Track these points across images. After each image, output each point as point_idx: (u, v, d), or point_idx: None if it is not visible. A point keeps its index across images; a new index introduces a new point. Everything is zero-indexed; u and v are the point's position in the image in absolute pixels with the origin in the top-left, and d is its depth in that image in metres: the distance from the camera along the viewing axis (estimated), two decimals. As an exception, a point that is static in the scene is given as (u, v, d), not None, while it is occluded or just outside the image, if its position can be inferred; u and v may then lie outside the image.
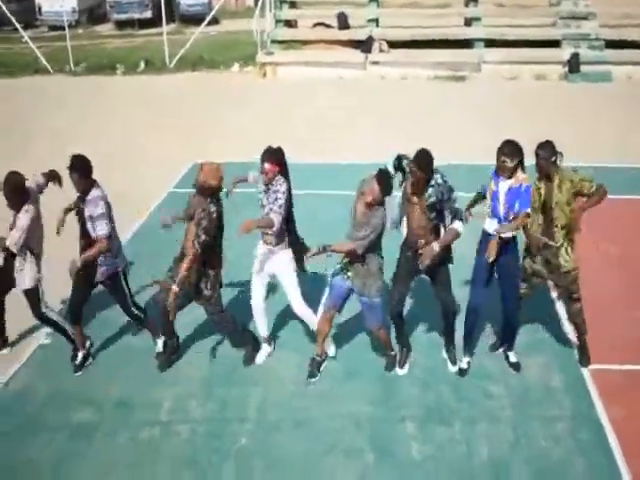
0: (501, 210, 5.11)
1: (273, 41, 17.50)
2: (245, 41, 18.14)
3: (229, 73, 16.97)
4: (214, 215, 5.12)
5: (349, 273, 5.19)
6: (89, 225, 5.26)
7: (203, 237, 5.06)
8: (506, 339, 5.68)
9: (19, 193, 5.33)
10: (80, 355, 5.71)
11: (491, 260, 5.14)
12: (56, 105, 14.04)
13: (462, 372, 5.56)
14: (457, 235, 5.09)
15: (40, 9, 24.42)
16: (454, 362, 5.58)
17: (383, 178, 4.88)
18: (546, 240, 5.21)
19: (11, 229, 5.38)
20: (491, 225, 5.21)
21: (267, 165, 5.19)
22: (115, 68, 17.31)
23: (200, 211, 5.06)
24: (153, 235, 7.38)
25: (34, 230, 5.43)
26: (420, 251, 5.08)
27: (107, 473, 4.63)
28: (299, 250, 5.48)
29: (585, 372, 5.56)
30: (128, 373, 5.64)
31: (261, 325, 5.71)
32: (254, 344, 5.75)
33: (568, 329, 5.99)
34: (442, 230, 5.14)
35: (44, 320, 5.68)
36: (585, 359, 5.65)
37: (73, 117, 12.94)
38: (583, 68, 15.63)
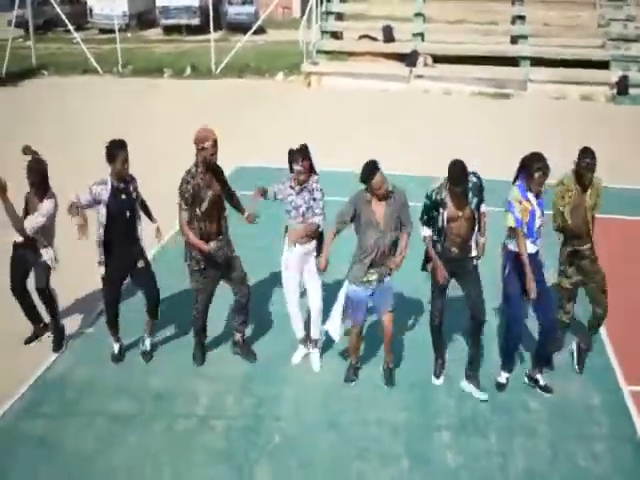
0: (537, 226, 5.12)
1: (319, 51, 17.67)
2: (291, 51, 18.34)
3: (274, 81, 17.17)
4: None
5: (372, 277, 5.18)
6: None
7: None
8: (540, 360, 5.50)
9: (45, 180, 5.49)
10: (117, 347, 5.81)
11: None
12: (103, 104, 14.35)
13: (500, 387, 5.49)
14: (485, 214, 5.18)
15: (91, 12, 25.13)
16: (478, 386, 5.37)
17: (375, 167, 4.93)
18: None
19: (26, 215, 5.49)
20: (527, 246, 5.11)
21: (301, 165, 5.22)
22: (162, 72, 17.63)
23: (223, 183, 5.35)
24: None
25: (52, 221, 5.58)
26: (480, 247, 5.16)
27: (143, 459, 4.70)
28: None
29: (625, 392, 5.47)
30: (167, 367, 5.72)
31: (300, 325, 5.72)
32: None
33: (608, 349, 5.92)
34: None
35: (45, 296, 5.78)
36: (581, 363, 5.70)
37: (118, 116, 13.20)
38: (632, 91, 15.47)
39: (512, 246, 5.19)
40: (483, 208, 5.17)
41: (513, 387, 5.48)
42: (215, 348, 5.96)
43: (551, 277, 5.74)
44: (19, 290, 5.86)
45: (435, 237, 5.14)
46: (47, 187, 5.56)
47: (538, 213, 5.10)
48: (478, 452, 4.83)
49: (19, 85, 16.70)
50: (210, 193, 5.27)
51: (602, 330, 6.22)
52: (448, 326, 5.61)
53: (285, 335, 5.92)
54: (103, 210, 5.26)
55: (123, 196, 5.34)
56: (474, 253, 5.19)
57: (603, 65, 16.38)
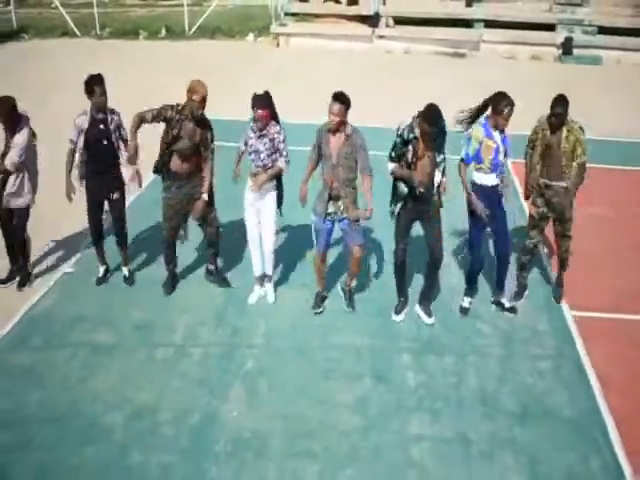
0: (501, 158, 5.08)
1: (287, 14, 17.22)
2: (260, 14, 17.85)
3: (245, 42, 16.71)
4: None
5: (330, 209, 5.10)
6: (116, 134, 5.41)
7: (213, 146, 5.39)
8: (500, 285, 5.55)
9: (12, 115, 5.30)
10: (102, 269, 5.81)
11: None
12: (81, 63, 13.83)
13: (464, 311, 5.49)
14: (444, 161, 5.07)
15: (69, -23, 23.97)
16: (429, 314, 5.36)
17: (342, 96, 5.02)
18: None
19: (4, 154, 5.33)
20: (487, 178, 5.12)
21: (260, 111, 5.05)
22: (138, 34, 17.06)
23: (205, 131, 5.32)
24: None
25: (29, 150, 5.40)
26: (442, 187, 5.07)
27: (124, 385, 4.63)
28: (280, 196, 5.40)
29: (569, 317, 5.52)
30: (146, 300, 5.61)
31: (258, 265, 5.54)
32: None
33: (553, 279, 5.94)
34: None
35: (20, 243, 5.67)
36: (559, 295, 5.69)
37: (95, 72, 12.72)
38: (576, 51, 15.40)
39: (475, 178, 5.16)
40: (440, 178, 5.04)
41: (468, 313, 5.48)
42: (191, 283, 5.85)
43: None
44: (5, 228, 5.68)
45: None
46: (16, 120, 5.33)
47: (501, 149, 5.07)
48: (435, 372, 4.84)
49: (1, 48, 15.99)
50: (188, 141, 5.20)
51: (547, 263, 6.27)
52: (412, 262, 5.53)
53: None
54: (82, 137, 5.28)
55: (101, 126, 5.34)
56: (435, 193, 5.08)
57: (550, 27, 16.28)
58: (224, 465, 4.00)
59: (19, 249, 5.73)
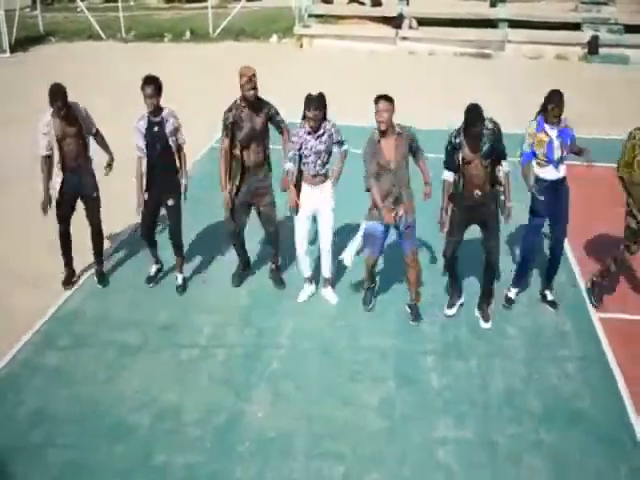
0: (557, 154, 5.07)
1: (310, 15, 17.25)
2: (284, 16, 17.90)
3: (268, 44, 16.77)
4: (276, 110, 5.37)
5: (400, 214, 5.01)
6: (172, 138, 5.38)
7: (285, 123, 5.47)
8: (549, 279, 5.56)
9: (66, 101, 5.28)
10: (154, 268, 5.86)
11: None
12: (108, 65, 14.03)
13: (509, 301, 5.51)
14: (508, 175, 4.99)
15: (95, -18, 24.28)
16: (487, 319, 5.29)
17: (387, 97, 4.97)
18: None
19: (72, 138, 5.35)
20: (548, 171, 5.13)
21: (315, 112, 5.04)
22: (163, 36, 17.21)
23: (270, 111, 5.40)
24: (195, 186, 7.36)
25: (51, 138, 5.34)
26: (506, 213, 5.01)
27: (150, 384, 4.66)
28: None
29: (595, 319, 5.45)
30: (173, 301, 5.65)
31: (306, 264, 5.52)
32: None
33: (579, 281, 5.88)
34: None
35: (100, 232, 5.75)
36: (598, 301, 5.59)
37: (123, 78, 12.88)
38: (602, 50, 15.19)
39: (536, 170, 5.17)
40: (505, 167, 4.92)
41: (492, 315, 5.42)
42: (217, 285, 5.87)
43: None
44: (65, 223, 5.70)
45: (457, 182, 4.98)
46: (70, 108, 5.36)
47: (556, 143, 5.06)
48: (460, 374, 4.81)
49: (29, 51, 16.27)
50: (249, 126, 5.25)
51: (575, 266, 6.18)
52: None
53: (284, 271, 5.86)
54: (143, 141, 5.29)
55: (156, 129, 5.29)
56: (501, 213, 5.02)
57: (575, 27, 16.08)
58: (249, 465, 4.01)
59: (96, 243, 5.78)
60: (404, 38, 16.06)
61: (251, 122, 5.27)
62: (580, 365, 4.92)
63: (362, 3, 18.08)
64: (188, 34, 17.32)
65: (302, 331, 5.27)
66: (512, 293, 5.56)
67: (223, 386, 4.66)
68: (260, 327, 5.30)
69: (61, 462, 4.03)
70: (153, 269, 5.85)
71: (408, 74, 13.58)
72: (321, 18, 17.47)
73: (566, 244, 6.53)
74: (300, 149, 5.14)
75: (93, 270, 5.95)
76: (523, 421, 4.38)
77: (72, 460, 4.04)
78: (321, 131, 5.13)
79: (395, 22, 16.40)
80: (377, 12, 17.32)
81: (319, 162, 5.18)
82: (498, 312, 5.47)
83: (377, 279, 5.64)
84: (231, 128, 5.25)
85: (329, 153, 5.22)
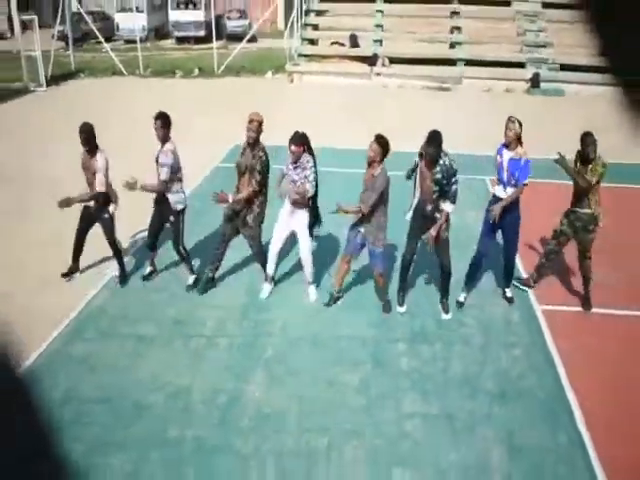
0: (505, 176, 5.01)
1: (299, 55, 17.30)
2: (277, 55, 17.93)
3: (264, 79, 16.77)
4: (264, 160, 5.12)
5: (361, 229, 5.04)
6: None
7: (258, 177, 5.11)
8: (506, 281, 5.54)
9: (94, 138, 5.25)
10: (192, 278, 5.72)
11: (494, 219, 5.04)
12: (129, 97, 13.92)
13: (460, 304, 5.44)
14: (448, 215, 4.93)
15: (118, 26, 24.19)
16: (447, 311, 5.30)
17: (381, 139, 4.82)
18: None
19: (92, 173, 5.27)
20: (499, 190, 5.11)
21: (294, 147, 5.01)
22: (175, 73, 17.14)
23: (255, 158, 5.13)
24: (201, 200, 7.30)
25: (108, 174, 5.37)
26: (431, 232, 4.90)
27: (164, 370, 4.60)
28: (314, 216, 5.33)
29: (538, 310, 5.45)
30: (181, 299, 5.57)
31: (270, 266, 5.48)
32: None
33: (525, 276, 5.89)
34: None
35: (114, 247, 5.64)
36: (588, 305, 5.45)
37: (142, 107, 12.77)
38: (542, 85, 15.37)
39: (492, 187, 5.18)
40: (447, 207, 4.86)
41: (452, 308, 5.42)
42: (220, 286, 5.81)
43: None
44: (80, 234, 5.64)
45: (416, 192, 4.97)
46: (96, 145, 5.30)
47: (505, 166, 4.99)
48: (426, 358, 4.79)
49: (61, 85, 16.13)
50: (243, 162, 5.20)
51: (519, 263, 6.18)
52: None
53: (278, 272, 5.79)
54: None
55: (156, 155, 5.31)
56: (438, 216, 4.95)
57: (520, 65, 16.23)
58: (247, 438, 3.96)
59: (116, 256, 5.72)
60: (378, 74, 16.15)
61: (246, 158, 5.20)
62: (526, 350, 4.91)
63: (342, 44, 18.13)
64: (196, 71, 17.28)
65: (292, 323, 5.22)
66: (461, 297, 5.47)
67: (226, 370, 4.61)
68: (256, 320, 5.25)
69: (88, 437, 3.96)
70: (147, 270, 5.84)
71: (381, 104, 13.62)
72: (308, 57, 17.53)
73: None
74: (284, 173, 5.19)
75: (114, 273, 5.87)
76: (478, 398, 4.36)
77: (98, 435, 3.97)
78: (299, 164, 5.09)
79: (370, 60, 16.49)
80: (355, 52, 17.40)
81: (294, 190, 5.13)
82: (457, 305, 5.45)
83: (341, 293, 5.55)
84: (237, 169, 5.24)
85: (303, 184, 5.12)
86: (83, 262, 5.90)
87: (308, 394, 4.36)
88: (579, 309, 5.48)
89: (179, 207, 5.42)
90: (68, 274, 5.82)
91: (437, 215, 4.94)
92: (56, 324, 5.13)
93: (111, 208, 5.49)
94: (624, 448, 3.91)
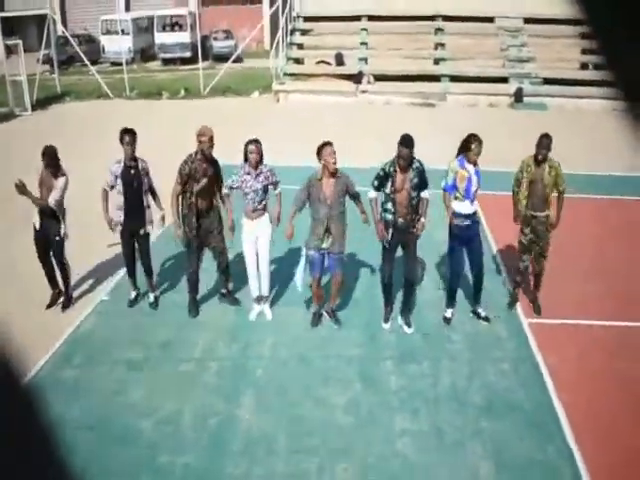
0: (473, 189, 5.08)
1: (285, 74, 17.47)
2: (263, 75, 18.10)
3: (250, 99, 16.91)
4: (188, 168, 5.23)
5: (324, 244, 5.08)
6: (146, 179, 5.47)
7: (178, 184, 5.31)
8: (478, 298, 5.53)
9: (56, 160, 5.41)
10: (133, 294, 5.83)
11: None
12: (115, 119, 13.96)
13: (447, 320, 5.47)
14: (428, 201, 5.05)
15: (104, 49, 24.37)
16: (409, 325, 5.32)
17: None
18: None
19: (48, 190, 5.40)
20: (464, 206, 5.10)
21: (255, 147, 5.10)
22: (161, 94, 17.24)
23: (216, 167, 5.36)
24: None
25: (64, 196, 5.49)
26: (422, 220, 4.99)
27: (154, 396, 4.61)
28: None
29: (525, 324, 5.54)
30: (170, 321, 5.61)
31: (255, 287, 5.50)
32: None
33: (511, 291, 5.97)
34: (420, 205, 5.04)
35: (61, 266, 5.68)
36: (538, 309, 5.61)
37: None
38: (525, 99, 15.63)
39: (454, 206, 5.16)
40: (425, 194, 5.01)
41: (440, 324, 5.49)
42: (208, 305, 5.85)
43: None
44: (43, 258, 5.70)
45: (389, 207, 5.00)
46: (59, 167, 5.44)
47: (474, 180, 5.06)
48: (414, 375, 4.83)
49: (47, 109, 16.20)
50: (204, 180, 5.25)
51: (506, 277, 6.29)
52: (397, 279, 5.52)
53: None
54: (119, 181, 5.33)
55: (132, 171, 5.37)
56: (415, 230, 5.05)
57: (504, 80, 16.51)
58: (238, 462, 3.97)
59: (62, 276, 5.74)
60: (363, 91, 16.36)
61: (206, 176, 5.27)
62: (513, 364, 4.98)
63: (328, 63, 18.37)
64: (183, 92, 17.38)
65: (281, 343, 5.26)
66: (448, 313, 5.50)
67: (215, 394, 4.63)
68: (246, 341, 5.29)
69: (76, 465, 3.93)
70: (133, 294, 5.84)
71: (367, 121, 13.80)
72: (294, 76, 17.71)
73: (499, 260, 6.68)
74: (234, 188, 5.23)
75: (104, 298, 5.89)
76: (467, 413, 4.41)
77: (85, 463, 3.95)
78: (259, 171, 5.16)
79: (356, 78, 16.70)
80: (341, 70, 17.63)
81: (257, 199, 5.19)
82: (444, 321, 5.53)
83: (322, 307, 5.57)
84: (186, 178, 5.24)
85: (265, 191, 5.23)
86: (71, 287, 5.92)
87: (298, 415, 4.39)
88: (565, 321, 5.57)
89: (150, 228, 5.58)
90: (52, 304, 5.83)
91: (412, 228, 5.01)
92: (43, 351, 5.13)
93: (62, 230, 5.54)
94: (612, 459, 3.98)
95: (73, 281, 5.95)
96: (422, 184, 4.98)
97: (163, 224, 5.66)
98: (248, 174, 5.15)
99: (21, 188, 5.24)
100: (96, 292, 6.18)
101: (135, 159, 5.41)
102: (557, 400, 4.53)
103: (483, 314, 5.53)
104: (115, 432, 4.23)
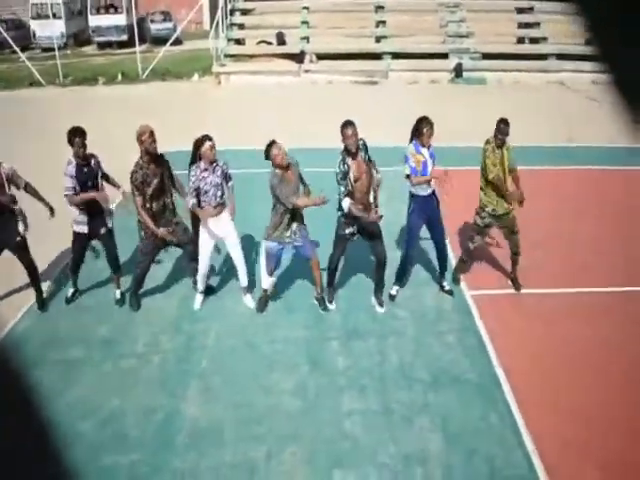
0: (429, 171, 5.05)
1: (226, 55, 17.03)
2: (203, 56, 17.56)
3: (190, 82, 16.40)
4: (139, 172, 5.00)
5: (287, 236, 4.99)
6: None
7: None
8: (442, 273, 5.59)
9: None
10: (71, 291, 5.59)
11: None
12: (49, 110, 13.27)
13: (392, 297, 5.48)
14: (380, 182, 4.99)
15: (34, 34, 23.03)
16: (381, 304, 5.33)
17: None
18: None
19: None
20: (422, 189, 5.11)
21: (210, 143, 4.92)
22: (97, 80, 16.49)
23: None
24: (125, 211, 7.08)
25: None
26: (370, 216, 4.85)
27: (95, 394, 4.41)
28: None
29: (468, 296, 5.60)
30: (111, 317, 5.38)
31: (203, 280, 5.39)
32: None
33: (453, 263, 6.01)
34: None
35: (32, 269, 5.41)
36: (518, 285, 5.61)
37: (63, 119, 12.24)
38: (465, 74, 15.78)
39: (413, 190, 5.14)
40: (378, 175, 4.93)
41: (385, 301, 5.47)
42: (151, 299, 5.65)
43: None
44: None
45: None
46: None
47: (429, 162, 5.04)
48: (361, 354, 4.82)
49: (-27, 99, 15.17)
50: (156, 180, 5.00)
51: (450, 251, 6.32)
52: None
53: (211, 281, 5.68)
54: (74, 181, 5.02)
55: (85, 169, 5.09)
56: (374, 209, 4.96)
57: (444, 56, 16.60)
58: (185, 456, 3.86)
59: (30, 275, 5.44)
60: (306, 71, 16.14)
61: (157, 175, 5.04)
62: (458, 336, 5.03)
63: (270, 43, 18.01)
64: (120, 76, 16.68)
65: (226, 331, 5.14)
66: (394, 290, 5.52)
67: (159, 388, 4.47)
68: (189, 332, 5.13)
69: (15, 473, 3.74)
70: (70, 291, 5.59)
71: (310, 100, 13.62)
72: (235, 57, 17.30)
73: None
74: (198, 187, 4.98)
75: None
76: (414, 388, 4.43)
77: (24, 470, 3.76)
78: (215, 166, 5.00)
79: (298, 57, 16.46)
80: (282, 50, 17.31)
81: (218, 193, 5.04)
82: (388, 298, 5.52)
83: (273, 289, 5.50)
84: (142, 187, 4.98)
85: (223, 185, 5.08)
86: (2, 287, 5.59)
87: (244, 403, 4.30)
88: (507, 291, 5.67)
89: (111, 223, 5.30)
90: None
91: (368, 210, 4.92)
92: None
93: (21, 228, 5.21)
94: (553, 422, 4.08)
95: (13, 280, 5.60)
96: (370, 160, 4.91)
97: (125, 198, 5.31)
98: (206, 170, 4.95)
99: None
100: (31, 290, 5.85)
101: (87, 157, 5.09)
102: (499, 367, 4.60)
103: (447, 287, 5.59)
104: (54, 436, 4.00)
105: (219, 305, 5.52)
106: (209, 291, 5.61)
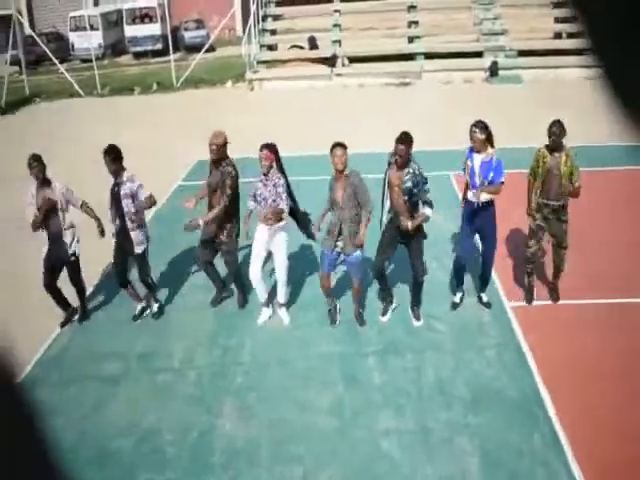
0: (477, 181, 4.85)
1: (259, 62, 17.11)
2: (236, 63, 17.70)
3: (224, 89, 16.53)
4: (233, 174, 5.10)
5: (337, 246, 4.91)
6: (126, 201, 5.06)
7: (229, 192, 5.09)
8: (483, 285, 5.42)
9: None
10: (156, 306, 5.58)
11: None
12: (87, 119, 13.61)
13: (455, 305, 5.35)
14: (426, 219, 4.79)
15: (73, 46, 23.72)
16: (418, 318, 5.21)
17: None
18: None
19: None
20: (471, 195, 4.95)
21: (266, 152, 4.87)
22: (133, 89, 16.81)
23: (223, 174, 5.11)
24: (165, 221, 7.15)
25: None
26: (402, 225, 4.75)
27: (131, 410, 4.44)
28: (306, 223, 5.29)
29: (508, 308, 5.42)
30: (148, 331, 5.42)
31: (260, 292, 5.33)
32: (243, 292, 5.63)
33: (494, 276, 5.82)
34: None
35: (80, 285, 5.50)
36: (556, 296, 5.44)
37: (102, 128, 12.50)
38: (500, 73, 15.40)
39: (468, 196, 5.01)
40: (427, 211, 4.72)
41: (423, 314, 5.33)
42: (186, 311, 5.66)
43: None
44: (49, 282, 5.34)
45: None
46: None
47: (477, 171, 4.84)
48: (397, 369, 4.71)
49: (17, 112, 15.71)
50: (212, 183, 5.19)
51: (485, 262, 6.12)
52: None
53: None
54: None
55: (116, 189, 5.12)
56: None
57: (478, 54, 16.26)
58: (220, 475, 3.83)
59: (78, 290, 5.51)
60: (338, 74, 16.06)
61: (214, 178, 5.22)
62: (498, 351, 4.86)
63: (301, 47, 18.00)
64: (155, 86, 16.97)
65: (261, 346, 5.10)
66: (457, 298, 5.39)
67: (195, 404, 4.47)
68: (225, 346, 5.12)
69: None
70: (138, 308, 5.57)
71: (343, 104, 13.53)
72: (268, 63, 17.35)
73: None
74: (254, 198, 5.03)
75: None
76: (453, 406, 4.30)
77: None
78: (269, 178, 4.94)
79: (330, 61, 16.40)
80: (314, 54, 17.28)
81: (266, 207, 4.97)
82: (428, 310, 5.38)
83: (337, 301, 5.41)
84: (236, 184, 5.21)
85: (274, 201, 4.95)
86: (47, 301, 5.67)
87: (280, 421, 4.25)
88: (547, 302, 5.46)
89: (142, 248, 5.26)
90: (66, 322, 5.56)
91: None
92: (21, 369, 4.94)
93: (74, 247, 5.25)
94: (598, 442, 3.88)
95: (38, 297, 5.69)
96: (415, 196, 4.68)
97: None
98: (261, 182, 4.96)
99: None
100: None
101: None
102: (542, 385, 4.42)
103: (485, 299, 5.42)
104: (90, 453, 4.05)
105: (253, 318, 5.49)
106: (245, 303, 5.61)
